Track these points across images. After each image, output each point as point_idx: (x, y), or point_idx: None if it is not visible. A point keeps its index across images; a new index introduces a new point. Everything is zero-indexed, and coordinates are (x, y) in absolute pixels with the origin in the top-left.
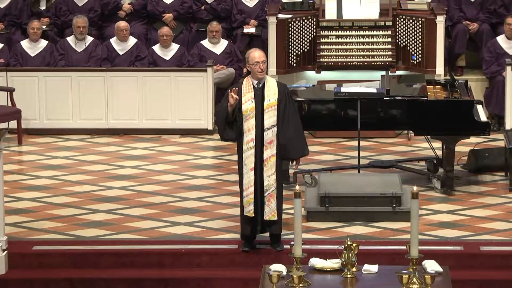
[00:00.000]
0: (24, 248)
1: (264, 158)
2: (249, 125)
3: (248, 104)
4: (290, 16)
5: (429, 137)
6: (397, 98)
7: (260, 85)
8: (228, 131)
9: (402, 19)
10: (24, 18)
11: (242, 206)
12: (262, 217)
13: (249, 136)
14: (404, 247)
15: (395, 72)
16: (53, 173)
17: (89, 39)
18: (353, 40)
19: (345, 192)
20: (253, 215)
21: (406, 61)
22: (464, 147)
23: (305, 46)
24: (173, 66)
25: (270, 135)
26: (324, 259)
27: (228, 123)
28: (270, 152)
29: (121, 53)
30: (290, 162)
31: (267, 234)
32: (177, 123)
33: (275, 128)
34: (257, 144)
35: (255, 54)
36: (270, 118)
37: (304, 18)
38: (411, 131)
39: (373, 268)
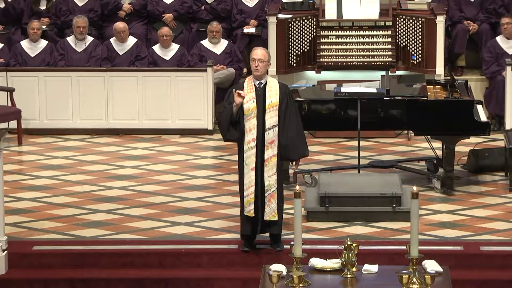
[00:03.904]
0: (24, 248)
1: (265, 158)
2: (251, 125)
3: (249, 104)
4: (290, 16)
5: (429, 137)
6: (397, 98)
7: (262, 85)
8: (232, 131)
9: (402, 19)
10: (24, 18)
11: (242, 206)
12: (263, 217)
13: (250, 136)
14: (404, 247)
15: (395, 72)
16: (53, 173)
17: (89, 39)
18: (353, 40)
19: (345, 192)
20: (254, 215)
21: (406, 61)
22: (464, 147)
23: (305, 46)
24: (173, 66)
25: (271, 135)
26: (324, 259)
27: (232, 123)
28: (271, 152)
29: (121, 53)
30: (290, 163)
31: (267, 234)
32: (177, 123)
33: (276, 128)
34: (258, 144)
35: (255, 51)
36: (272, 118)
37: (304, 18)
38: (411, 131)
39: (373, 268)
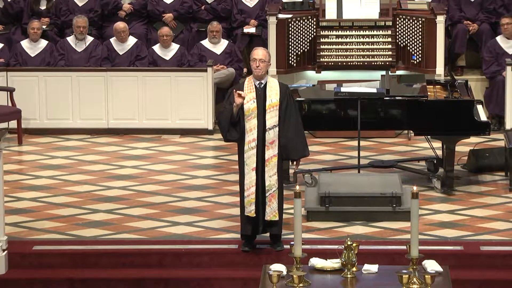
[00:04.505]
0: (24, 248)
1: (266, 158)
2: (251, 125)
3: (250, 104)
4: (290, 16)
5: (429, 137)
6: (397, 98)
7: (262, 85)
8: (232, 132)
9: (402, 19)
10: (24, 18)
11: (242, 206)
12: (264, 217)
13: (251, 136)
14: (404, 247)
15: (395, 72)
16: (53, 173)
17: (89, 39)
18: (353, 40)
19: (345, 192)
20: (255, 215)
21: (406, 61)
22: (464, 147)
23: (305, 46)
24: (173, 66)
25: (271, 135)
26: (324, 259)
27: (232, 123)
28: (271, 152)
29: (121, 53)
30: (290, 163)
31: (267, 234)
32: (177, 123)
33: (277, 128)
34: (258, 144)
35: (256, 51)
36: (272, 118)
37: (304, 18)
38: (411, 131)
39: (373, 268)
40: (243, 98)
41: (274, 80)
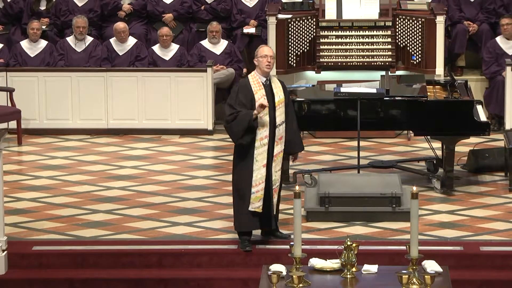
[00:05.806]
0: (24, 248)
1: (274, 154)
2: (263, 122)
3: (263, 101)
4: (290, 16)
5: (429, 137)
6: (397, 98)
7: (268, 82)
8: (246, 137)
9: (402, 19)
10: (24, 18)
11: (241, 202)
12: (270, 212)
13: (263, 133)
14: (404, 247)
15: (395, 72)
16: (53, 173)
17: (89, 39)
18: (353, 40)
19: (345, 192)
20: (262, 211)
21: (406, 61)
22: (464, 147)
23: (305, 46)
24: (173, 66)
25: (281, 131)
26: (324, 259)
27: (250, 129)
28: (280, 148)
29: (121, 53)
30: (291, 159)
31: (259, 231)
32: (177, 123)
33: (284, 124)
34: (270, 140)
35: (265, 48)
36: (281, 114)
37: (304, 18)
38: (411, 131)
39: (373, 268)
40: (264, 108)
41: (274, 77)
